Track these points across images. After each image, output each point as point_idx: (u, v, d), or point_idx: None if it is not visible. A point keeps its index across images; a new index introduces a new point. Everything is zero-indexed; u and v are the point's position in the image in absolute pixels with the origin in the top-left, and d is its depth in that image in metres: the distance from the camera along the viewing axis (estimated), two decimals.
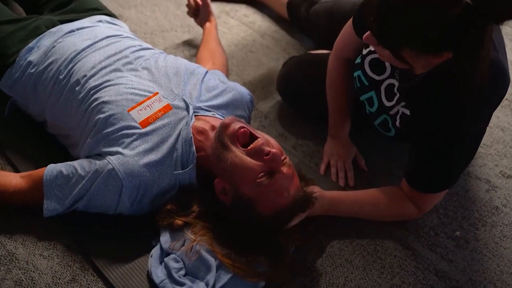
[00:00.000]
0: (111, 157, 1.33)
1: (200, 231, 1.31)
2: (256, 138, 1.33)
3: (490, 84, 1.21)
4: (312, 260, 1.44)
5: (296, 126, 1.84)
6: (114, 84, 1.44)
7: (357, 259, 1.45)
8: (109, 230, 1.39)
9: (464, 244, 1.52)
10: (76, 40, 1.56)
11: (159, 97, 1.45)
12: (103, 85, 1.44)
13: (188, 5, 2.14)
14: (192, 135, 1.39)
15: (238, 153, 1.30)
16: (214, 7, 2.26)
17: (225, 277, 1.27)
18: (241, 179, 1.29)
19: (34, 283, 1.30)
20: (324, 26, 2.01)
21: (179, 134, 1.40)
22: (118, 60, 1.51)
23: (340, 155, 1.69)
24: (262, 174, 1.28)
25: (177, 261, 1.29)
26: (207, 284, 1.25)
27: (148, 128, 1.38)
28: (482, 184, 1.70)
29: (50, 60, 1.53)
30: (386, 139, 1.62)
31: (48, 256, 1.36)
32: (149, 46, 1.65)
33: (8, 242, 1.37)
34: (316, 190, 1.41)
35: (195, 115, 1.45)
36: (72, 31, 1.61)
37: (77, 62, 1.50)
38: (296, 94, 1.83)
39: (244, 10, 2.39)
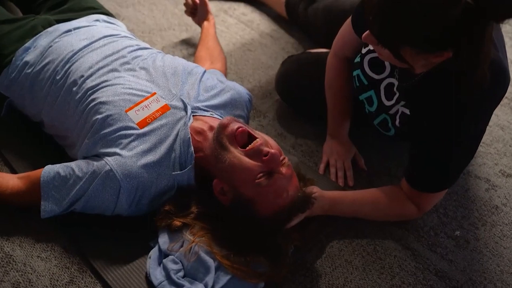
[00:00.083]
0: (109, 158, 1.33)
1: (198, 232, 1.30)
2: (255, 138, 1.32)
3: (490, 84, 1.21)
4: (312, 261, 1.43)
5: (295, 126, 1.84)
6: (112, 85, 1.43)
7: (357, 259, 1.45)
8: (107, 231, 1.38)
9: (464, 244, 1.51)
10: (73, 40, 1.55)
11: (156, 97, 1.44)
12: (100, 86, 1.43)
13: (186, 4, 2.13)
14: (190, 135, 1.38)
15: (237, 154, 1.29)
16: (212, 6, 2.25)
17: (224, 279, 1.26)
18: (239, 179, 1.29)
19: (31, 285, 1.29)
20: (323, 25, 2.00)
21: (177, 135, 1.39)
22: (116, 60, 1.50)
23: (340, 154, 1.68)
24: (261, 174, 1.27)
25: (175, 263, 1.28)
26: (206, 286, 1.25)
27: (146, 129, 1.38)
28: (482, 183, 1.69)
29: (46, 60, 1.53)
30: (386, 138, 1.61)
31: (46, 258, 1.35)
32: (147, 45, 1.64)
33: (5, 244, 1.37)
34: (315, 190, 1.40)
35: (193, 115, 1.44)
36: (69, 30, 1.60)
37: (74, 62, 1.49)
38: (295, 93, 1.82)
39: (242, 9, 2.39)
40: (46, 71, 1.51)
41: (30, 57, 1.56)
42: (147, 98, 1.42)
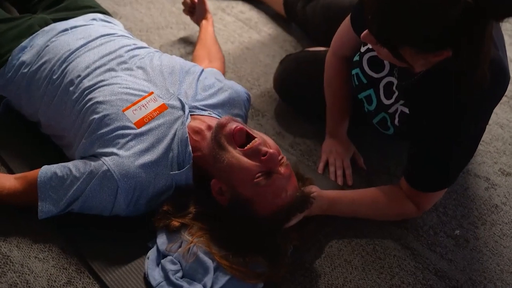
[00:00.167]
0: (106, 158, 1.32)
1: (197, 232, 1.30)
2: (253, 138, 1.31)
3: (490, 83, 1.20)
4: (311, 261, 1.42)
5: (294, 124, 1.83)
6: (109, 84, 1.43)
7: (356, 259, 1.44)
8: (105, 232, 1.37)
9: (463, 243, 1.51)
10: (70, 39, 1.54)
11: (154, 97, 1.43)
12: (97, 85, 1.42)
13: (184, 3, 2.12)
14: (188, 135, 1.37)
15: (235, 154, 1.29)
16: (210, 4, 2.24)
17: (223, 279, 1.26)
18: (238, 179, 1.28)
19: (29, 286, 1.28)
20: (321, 23, 1.99)
21: (175, 134, 1.38)
22: (113, 59, 1.49)
23: (339, 153, 1.67)
24: (259, 174, 1.26)
25: (174, 263, 1.27)
26: (204, 286, 1.24)
27: (143, 128, 1.37)
28: (482, 182, 1.69)
29: (43, 60, 1.52)
30: (385, 137, 1.61)
31: (43, 258, 1.34)
32: (144, 44, 1.64)
33: (2, 244, 1.36)
34: (314, 190, 1.39)
35: (191, 115, 1.44)
36: (66, 30, 1.59)
37: (71, 62, 1.48)
38: (293, 92, 1.82)
39: (240, 7, 2.38)
40: (43, 70, 1.50)
41: (26, 56, 1.55)
42: (144, 97, 1.42)
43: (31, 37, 1.58)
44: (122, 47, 1.54)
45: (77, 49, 1.51)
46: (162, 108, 1.41)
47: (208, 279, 1.25)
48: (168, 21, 2.25)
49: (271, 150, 1.27)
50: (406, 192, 1.46)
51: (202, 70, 1.59)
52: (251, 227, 1.29)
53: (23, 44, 1.57)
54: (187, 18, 2.19)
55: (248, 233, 1.29)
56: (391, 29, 1.13)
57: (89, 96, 1.41)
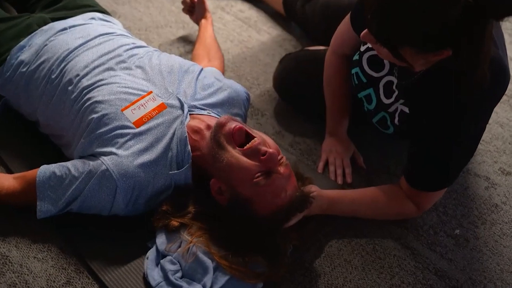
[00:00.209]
0: (105, 158, 1.31)
1: (196, 232, 1.29)
2: (253, 137, 1.31)
3: (490, 83, 1.19)
4: (310, 260, 1.42)
5: (293, 124, 1.83)
6: (107, 83, 1.42)
7: (356, 259, 1.44)
8: (104, 231, 1.37)
9: (463, 243, 1.50)
10: (69, 39, 1.54)
11: (153, 96, 1.42)
12: (96, 85, 1.42)
13: (183, 2, 2.12)
14: (187, 134, 1.37)
15: (234, 153, 1.28)
16: (209, 3, 2.24)
17: (222, 279, 1.26)
18: (237, 179, 1.28)
19: (28, 287, 1.28)
20: (321, 21, 1.99)
21: (174, 134, 1.38)
22: (111, 58, 1.49)
23: (338, 152, 1.67)
24: (259, 174, 1.26)
25: (173, 263, 1.27)
26: (204, 286, 1.24)
27: (142, 128, 1.36)
28: (481, 181, 1.69)
29: (42, 59, 1.51)
30: (385, 136, 1.61)
31: (42, 258, 1.34)
32: (143, 43, 1.63)
33: (1, 244, 1.36)
34: (314, 189, 1.39)
35: (190, 114, 1.43)
36: (64, 29, 1.59)
37: (70, 61, 1.48)
38: (293, 91, 1.81)
39: (239, 6, 2.37)
40: (41, 70, 1.50)
41: (25, 55, 1.54)
42: (143, 97, 1.41)
43: (29, 36, 1.57)
44: (121, 46, 1.54)
45: (76, 48, 1.51)
46: (161, 108, 1.41)
47: (208, 279, 1.24)
48: (167, 20, 2.25)
49: (270, 150, 1.27)
50: (406, 191, 1.46)
51: (201, 69, 1.58)
52: (250, 227, 1.29)
53: (21, 43, 1.56)
54: (186, 17, 2.18)
55: (247, 232, 1.29)
56: (391, 28, 1.12)
57: (88, 96, 1.41)
